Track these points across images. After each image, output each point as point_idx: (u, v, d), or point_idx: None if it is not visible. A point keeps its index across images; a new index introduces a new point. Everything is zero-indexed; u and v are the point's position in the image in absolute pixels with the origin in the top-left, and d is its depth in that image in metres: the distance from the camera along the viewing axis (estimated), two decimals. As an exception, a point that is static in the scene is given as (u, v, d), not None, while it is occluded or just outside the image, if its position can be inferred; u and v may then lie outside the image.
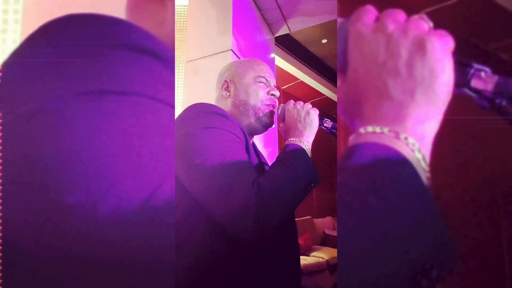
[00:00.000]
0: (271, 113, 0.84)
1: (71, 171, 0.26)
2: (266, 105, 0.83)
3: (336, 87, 0.33)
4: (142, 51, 0.31)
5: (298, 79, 4.24)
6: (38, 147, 0.26)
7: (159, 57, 0.32)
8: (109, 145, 0.27)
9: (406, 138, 0.27)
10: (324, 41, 3.69)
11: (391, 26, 0.30)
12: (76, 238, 0.25)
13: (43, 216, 0.25)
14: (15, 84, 0.29)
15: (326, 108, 5.26)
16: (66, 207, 0.25)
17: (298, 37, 3.57)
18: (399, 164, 0.25)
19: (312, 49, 3.88)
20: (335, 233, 4.18)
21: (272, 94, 0.84)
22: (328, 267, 3.41)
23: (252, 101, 0.82)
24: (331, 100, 5.01)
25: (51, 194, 0.25)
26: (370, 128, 0.28)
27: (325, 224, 4.58)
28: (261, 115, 0.82)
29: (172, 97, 0.32)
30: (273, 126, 0.87)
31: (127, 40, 0.31)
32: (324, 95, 4.85)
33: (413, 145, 0.27)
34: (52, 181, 0.25)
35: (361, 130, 0.29)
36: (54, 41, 0.31)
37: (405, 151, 0.26)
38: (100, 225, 0.25)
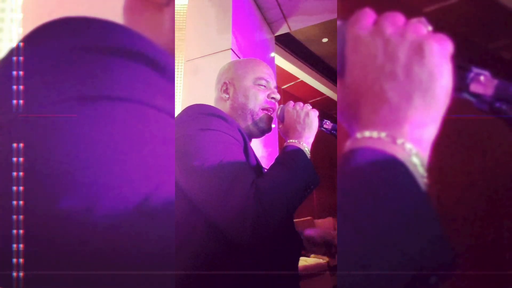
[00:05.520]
0: (269, 118, 0.83)
1: (67, 175, 0.26)
2: (264, 109, 0.82)
3: (337, 87, 0.33)
4: (140, 56, 0.31)
5: (299, 78, 4.23)
6: (33, 151, 0.26)
7: (157, 63, 0.32)
8: (106, 149, 0.27)
9: (403, 143, 0.27)
10: (325, 40, 3.68)
11: (389, 30, 0.30)
12: (74, 240, 0.25)
13: (41, 219, 0.25)
14: (9, 88, 0.29)
15: (327, 108, 5.25)
16: (62, 210, 0.25)
17: (298, 36, 3.56)
18: (395, 169, 0.25)
19: (312, 48, 3.87)
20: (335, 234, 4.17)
21: (272, 98, 0.83)
22: (329, 268, 3.41)
23: (251, 105, 0.81)
24: (332, 99, 5.00)
25: (46, 198, 0.25)
26: (367, 133, 0.28)
27: (326, 225, 4.58)
28: (257, 120, 0.81)
29: (171, 105, 0.32)
30: (272, 129, 0.86)
31: (125, 45, 0.31)
32: (324, 94, 4.84)
33: (410, 150, 0.27)
34: (48, 185, 0.25)
35: (358, 135, 0.28)
36: (50, 44, 0.30)
37: (402, 156, 0.26)
38: (99, 227, 0.25)
